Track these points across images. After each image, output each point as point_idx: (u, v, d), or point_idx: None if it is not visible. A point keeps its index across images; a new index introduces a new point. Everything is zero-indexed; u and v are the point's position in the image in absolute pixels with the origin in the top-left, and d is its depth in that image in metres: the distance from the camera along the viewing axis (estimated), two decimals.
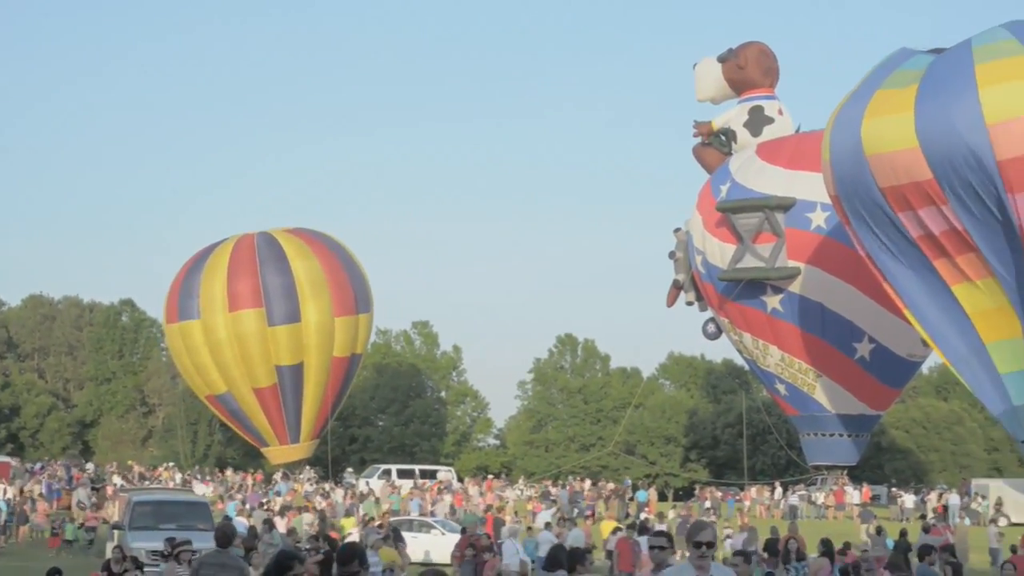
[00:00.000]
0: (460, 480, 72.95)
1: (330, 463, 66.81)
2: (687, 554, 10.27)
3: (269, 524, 37.08)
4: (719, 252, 38.85)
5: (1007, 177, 25.40)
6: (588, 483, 72.11)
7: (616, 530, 36.53)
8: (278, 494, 59.50)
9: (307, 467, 66.30)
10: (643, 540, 31.27)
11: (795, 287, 36.88)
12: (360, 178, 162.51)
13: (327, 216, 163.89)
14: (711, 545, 10.09)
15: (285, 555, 11.74)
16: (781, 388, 39.54)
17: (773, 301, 37.91)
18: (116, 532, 33.09)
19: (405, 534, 36.44)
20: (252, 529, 37.70)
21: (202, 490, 59.46)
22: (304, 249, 59.28)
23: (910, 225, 27.14)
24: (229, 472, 74.68)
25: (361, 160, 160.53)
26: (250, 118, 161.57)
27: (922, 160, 26.10)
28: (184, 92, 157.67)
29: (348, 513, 49.12)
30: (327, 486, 62.12)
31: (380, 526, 36.77)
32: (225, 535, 16.50)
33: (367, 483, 64.34)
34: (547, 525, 36.05)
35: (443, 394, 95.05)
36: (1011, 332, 26.64)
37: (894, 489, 72.71)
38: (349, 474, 70.43)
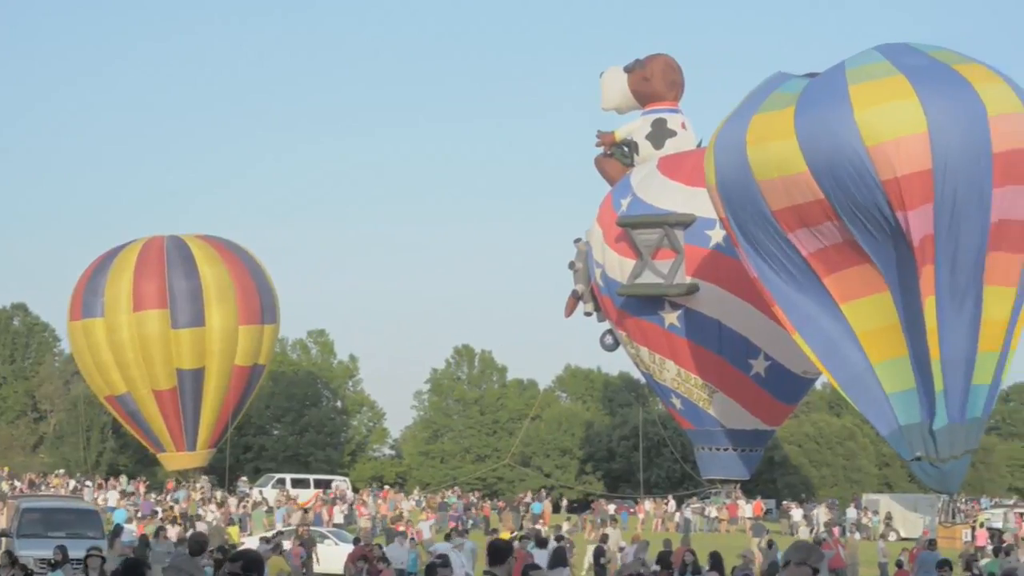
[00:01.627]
0: (355, 490, 72.62)
1: (227, 472, 66.35)
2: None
3: (161, 532, 36.71)
4: (619, 266, 39.07)
5: (891, 194, 25.79)
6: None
7: (512, 540, 36.58)
8: (176, 501, 58.95)
9: (203, 476, 65.79)
10: (539, 552, 31.41)
11: (693, 303, 37.16)
12: (259, 185, 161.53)
13: (223, 220, 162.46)
14: (817, 572, 9.76)
15: (134, 562, 11.66)
16: (677, 402, 39.84)
17: (671, 316, 38.19)
18: (3, 539, 32.61)
19: (287, 544, 36.30)
20: (143, 537, 37.33)
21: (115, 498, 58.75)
22: (213, 255, 59.23)
23: (802, 243, 27.42)
24: (123, 479, 73.77)
25: (262, 167, 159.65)
26: (153, 126, 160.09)
27: (813, 182, 26.44)
28: (88, 99, 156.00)
29: (233, 522, 48.73)
30: (219, 495, 61.60)
31: (299, 534, 36.74)
32: (198, 543, 17.28)
33: (260, 492, 63.84)
34: (447, 536, 35.94)
35: (339, 403, 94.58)
36: (897, 351, 27.02)
37: (785, 503, 73.36)
38: (243, 483, 69.85)
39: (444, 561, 18.19)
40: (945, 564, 24.32)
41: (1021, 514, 66.15)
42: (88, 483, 68.44)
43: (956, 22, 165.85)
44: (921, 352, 26.67)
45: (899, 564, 33.39)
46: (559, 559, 29.23)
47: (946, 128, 25.41)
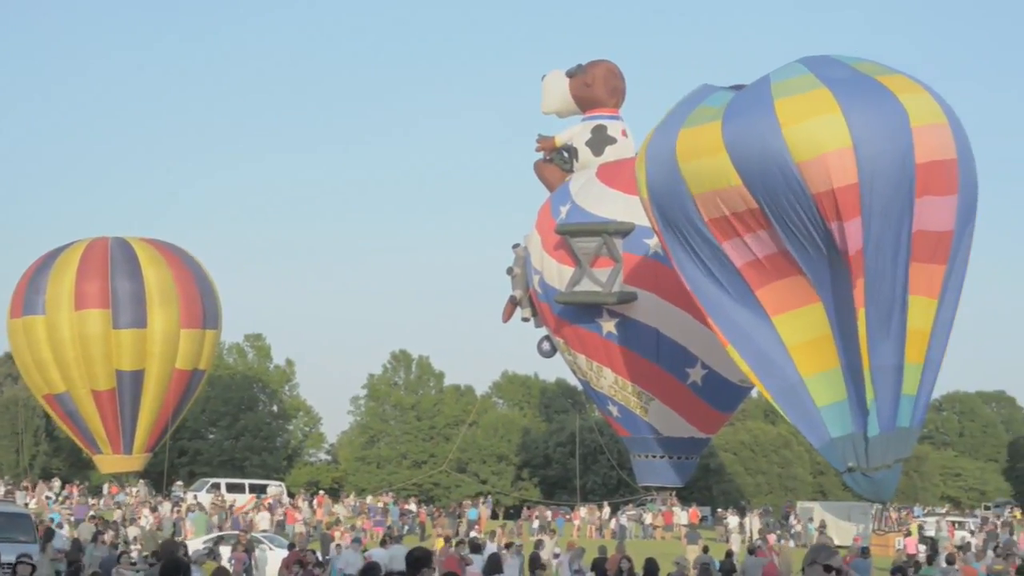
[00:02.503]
0: (291, 495, 72.40)
1: (166, 476, 66.11)
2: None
3: (99, 537, 36.53)
4: (557, 273, 39.08)
5: (822, 207, 26.02)
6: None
7: (447, 546, 36.71)
8: (119, 505, 58.69)
9: (139, 480, 65.50)
10: (476, 558, 31.48)
11: (631, 311, 37.23)
12: (199, 189, 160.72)
13: (162, 222, 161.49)
14: (840, 571, 9.79)
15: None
16: (614, 410, 39.89)
17: (609, 324, 38.23)
18: None
19: (224, 549, 36.24)
20: (76, 542, 37.12)
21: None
22: (158, 258, 59.46)
23: (736, 254, 27.54)
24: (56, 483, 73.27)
25: (203, 173, 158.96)
26: (96, 130, 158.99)
27: (747, 193, 26.60)
28: (31, 101, 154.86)
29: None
30: (154, 499, 61.30)
31: (239, 541, 36.66)
32: (171, 552, 17.96)
33: (195, 497, 63.56)
34: (382, 542, 35.92)
35: (275, 408, 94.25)
36: (828, 363, 27.17)
37: (719, 510, 73.76)
38: (178, 487, 69.48)
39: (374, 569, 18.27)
40: (899, 570, 24.70)
41: (953, 523, 66.92)
42: (26, 485, 68.07)
43: (883, 34, 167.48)
44: (853, 363, 26.88)
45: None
46: (494, 567, 29.28)
47: (871, 141, 25.64)
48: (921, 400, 27.12)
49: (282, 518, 57.43)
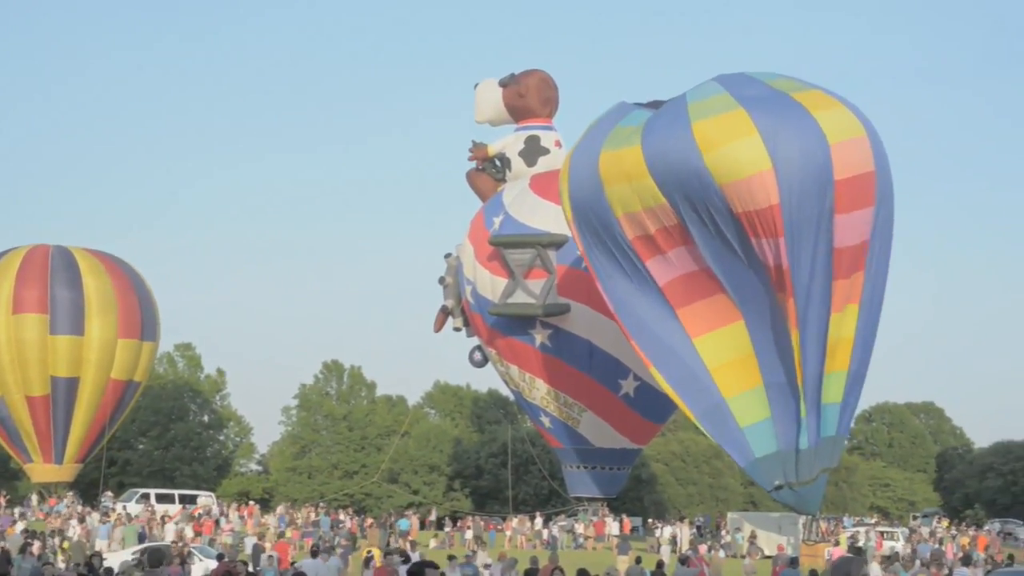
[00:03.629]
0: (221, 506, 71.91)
1: (102, 484, 65.65)
2: None
3: (28, 548, 36.13)
4: (490, 285, 39.11)
5: (747, 226, 26.13)
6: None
7: (369, 558, 36.62)
8: (58, 514, 58.15)
9: (68, 491, 64.92)
10: (403, 569, 31.41)
11: (564, 323, 37.33)
12: (131, 196, 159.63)
13: (94, 229, 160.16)
14: None
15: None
16: (546, 421, 39.99)
17: (542, 336, 38.33)
18: None
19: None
20: (6, 553, 36.67)
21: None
22: (99, 268, 59.35)
23: (658, 272, 27.54)
24: None
25: (138, 180, 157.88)
26: (26, 136, 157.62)
27: (670, 211, 26.69)
28: None
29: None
30: (80, 509, 60.73)
31: (177, 551, 36.38)
32: (157, 556, 19.41)
33: (124, 507, 63.00)
34: (312, 553, 35.76)
35: (206, 418, 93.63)
36: (750, 383, 27.28)
37: (651, 521, 73.92)
38: (107, 498, 68.85)
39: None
40: None
41: (882, 533, 67.41)
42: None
43: (807, 48, 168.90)
44: (776, 380, 27.01)
45: None
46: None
47: (789, 161, 25.80)
48: (846, 409, 27.26)
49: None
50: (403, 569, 30.67)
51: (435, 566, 10.02)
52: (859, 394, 27.93)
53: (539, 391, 39.51)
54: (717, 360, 27.24)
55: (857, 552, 47.30)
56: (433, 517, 74.21)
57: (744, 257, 26.58)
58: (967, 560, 43.64)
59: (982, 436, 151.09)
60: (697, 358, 27.31)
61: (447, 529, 68.72)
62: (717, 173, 25.69)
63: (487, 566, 39.09)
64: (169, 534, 52.39)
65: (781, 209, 25.73)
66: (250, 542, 48.50)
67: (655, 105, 28.47)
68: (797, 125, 26.04)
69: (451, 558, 34.89)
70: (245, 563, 34.31)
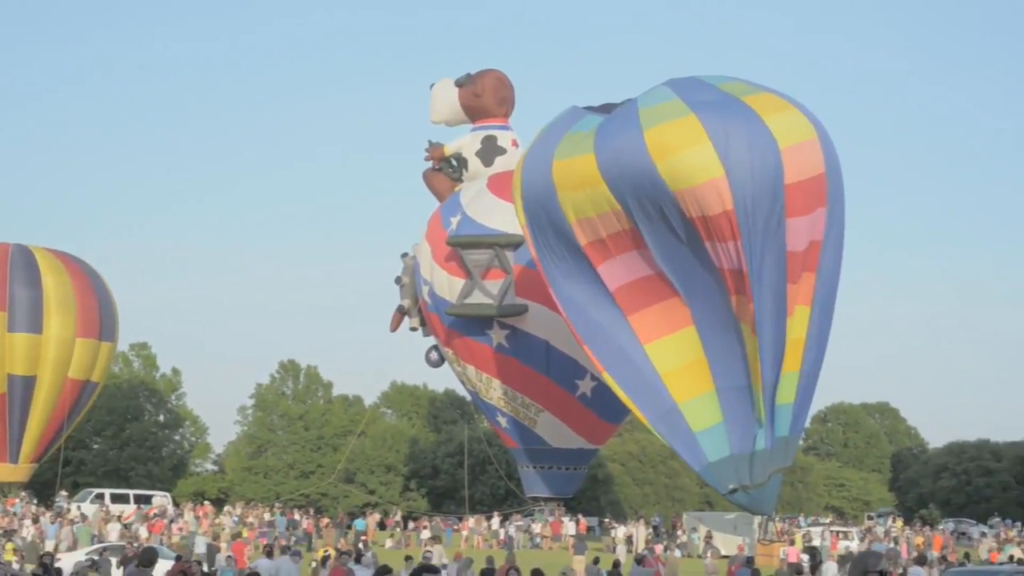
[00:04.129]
0: (176, 505, 71.62)
1: (58, 484, 65.33)
2: None
3: None
4: (447, 285, 39.09)
5: (701, 231, 26.19)
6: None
7: (326, 558, 36.56)
8: (14, 514, 57.78)
9: (23, 491, 64.56)
10: (357, 568, 31.36)
11: (522, 323, 37.34)
12: (87, 195, 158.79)
13: (53, 228, 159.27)
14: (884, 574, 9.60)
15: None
16: (503, 421, 40.02)
17: (499, 336, 38.35)
18: None
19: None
20: None
21: None
22: (59, 267, 59.17)
23: (610, 277, 27.54)
24: None
25: (92, 180, 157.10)
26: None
27: (624, 216, 26.71)
28: None
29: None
30: (34, 509, 60.39)
31: (125, 553, 36.19)
32: (148, 556, 19.50)
33: (79, 507, 62.68)
34: (269, 553, 35.62)
35: (161, 418, 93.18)
36: (701, 388, 27.29)
37: (607, 520, 74.01)
38: (62, 498, 68.47)
39: None
40: None
41: (836, 532, 67.70)
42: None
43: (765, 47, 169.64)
44: (728, 385, 27.06)
45: None
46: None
47: (741, 168, 25.84)
48: (799, 409, 27.34)
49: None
50: (357, 569, 30.67)
51: (436, 571, 9.99)
52: (812, 394, 28.03)
53: (496, 391, 39.52)
54: (668, 366, 27.26)
55: (812, 552, 47.50)
56: (398, 517, 74.05)
57: (698, 261, 26.64)
58: (921, 560, 43.89)
59: (936, 436, 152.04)
60: (648, 364, 27.34)
61: (399, 529, 68.65)
62: (670, 180, 25.73)
63: (444, 566, 39.08)
64: (113, 534, 52.16)
65: (736, 214, 25.79)
66: (201, 542, 48.30)
67: (607, 109, 28.45)
68: (748, 130, 26.08)
69: (408, 559, 34.84)
70: (200, 563, 34.24)
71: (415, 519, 74.00)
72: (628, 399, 28.16)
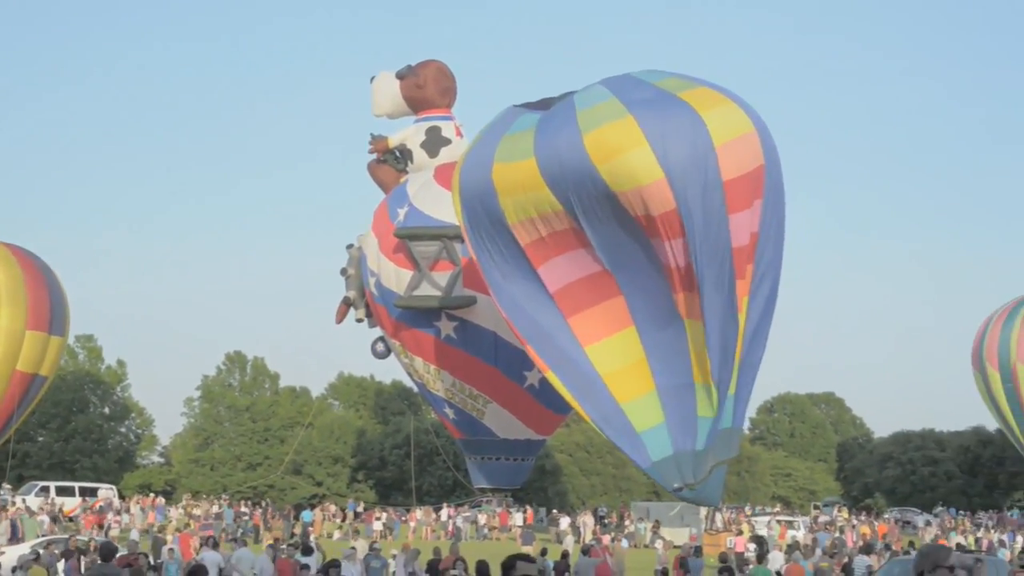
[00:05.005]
0: (122, 498, 71.31)
1: (4, 477, 64.88)
2: None
3: None
4: (395, 277, 38.98)
5: (647, 230, 26.27)
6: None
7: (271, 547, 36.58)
8: None
9: None
10: (308, 559, 31.39)
11: (470, 315, 37.28)
12: (33, 185, 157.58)
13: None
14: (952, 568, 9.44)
15: None
16: (450, 412, 39.94)
17: (447, 328, 38.25)
18: None
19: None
20: None
21: None
22: (10, 259, 58.71)
23: (551, 278, 27.55)
24: None
25: (41, 173, 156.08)
26: None
27: (566, 216, 26.75)
28: None
29: None
30: None
31: (69, 546, 36.00)
32: (108, 549, 20.95)
33: (24, 500, 62.35)
34: (214, 545, 35.57)
35: (107, 410, 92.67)
36: (643, 389, 27.28)
37: (554, 511, 74.29)
38: (7, 491, 68.08)
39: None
40: (726, 570, 25.07)
41: (780, 522, 68.15)
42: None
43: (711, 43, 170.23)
44: (669, 384, 27.11)
45: (664, 572, 34.17)
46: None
47: (680, 169, 25.81)
48: (740, 400, 27.46)
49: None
50: (305, 559, 30.63)
51: (530, 559, 9.78)
52: (752, 384, 28.11)
53: (444, 383, 39.46)
54: (609, 367, 27.27)
55: (758, 541, 47.83)
56: (361, 508, 74.06)
57: (643, 258, 26.67)
58: (867, 549, 44.26)
59: (882, 426, 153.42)
60: (590, 365, 27.37)
61: (347, 521, 68.69)
62: (612, 183, 25.77)
63: (394, 556, 39.12)
64: (46, 526, 51.99)
65: (680, 213, 25.90)
66: (134, 534, 48.11)
67: (545, 104, 28.41)
68: (685, 130, 26.06)
69: (354, 549, 34.82)
70: (147, 555, 34.12)
71: (366, 511, 74.00)
72: (572, 398, 28.20)
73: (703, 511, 58.28)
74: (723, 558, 33.83)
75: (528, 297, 27.81)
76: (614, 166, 25.72)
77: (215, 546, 36.24)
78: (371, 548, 36.37)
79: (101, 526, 55.85)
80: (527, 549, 43.34)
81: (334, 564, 28.20)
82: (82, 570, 35.62)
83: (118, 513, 61.63)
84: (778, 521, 67.93)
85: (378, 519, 66.76)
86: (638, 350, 27.18)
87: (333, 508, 73.40)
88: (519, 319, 28.25)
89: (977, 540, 59.34)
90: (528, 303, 27.84)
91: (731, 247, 26.41)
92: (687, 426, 26.67)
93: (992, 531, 64.89)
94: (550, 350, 27.87)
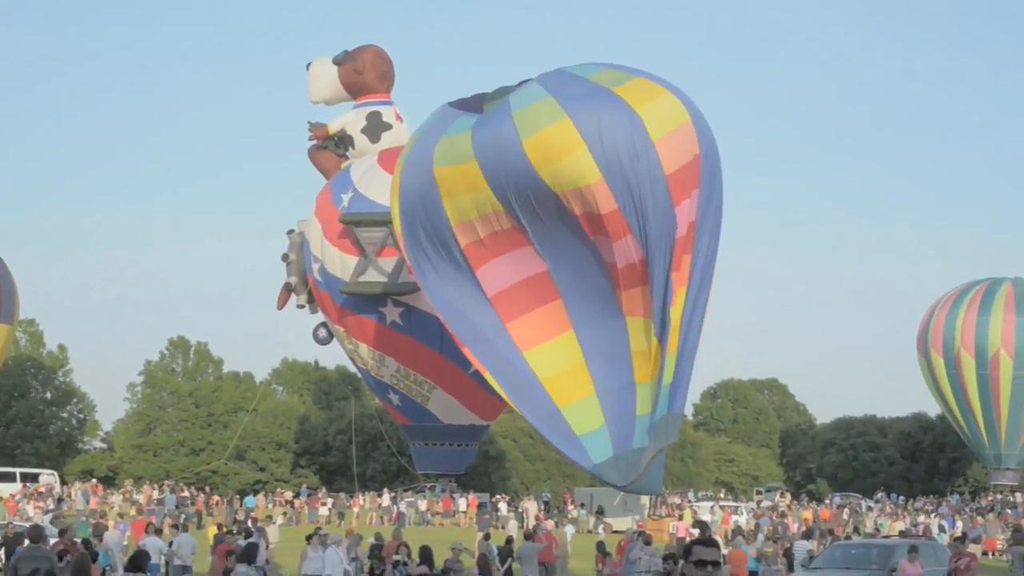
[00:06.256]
0: (64, 484, 70.90)
1: None
2: None
3: None
4: (340, 263, 38.87)
5: (587, 227, 26.28)
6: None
7: (217, 535, 36.49)
8: None
9: None
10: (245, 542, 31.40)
11: (416, 301, 37.22)
12: None
13: None
14: None
15: None
16: (394, 398, 39.94)
17: (393, 314, 38.23)
18: None
19: None
20: None
21: None
22: None
23: (489, 282, 27.46)
24: None
25: None
26: None
27: (506, 216, 26.69)
28: None
29: None
30: None
31: (10, 533, 35.75)
32: (37, 532, 22.56)
33: None
34: (157, 532, 35.45)
35: (48, 395, 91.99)
36: (583, 392, 27.24)
37: (496, 497, 74.37)
38: None
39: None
40: (670, 557, 25.19)
41: (724, 507, 68.51)
42: None
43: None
44: (609, 387, 27.14)
45: (607, 555, 34.30)
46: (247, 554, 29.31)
47: (619, 170, 25.76)
48: (678, 387, 27.49)
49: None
50: (249, 544, 30.56)
51: (714, 544, 9.31)
52: (691, 369, 28.15)
53: (388, 369, 39.43)
54: (548, 371, 27.24)
55: (701, 526, 48.03)
56: (323, 494, 73.81)
57: (585, 257, 26.67)
58: (808, 534, 44.58)
59: (824, 412, 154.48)
60: (529, 369, 27.36)
61: (291, 506, 68.54)
62: (554, 184, 25.77)
63: (336, 542, 39.05)
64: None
65: (623, 212, 25.92)
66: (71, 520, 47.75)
67: (478, 100, 28.18)
68: (621, 129, 25.95)
69: (309, 537, 34.48)
70: (88, 540, 33.90)
71: (310, 496, 73.85)
72: (511, 401, 28.21)
73: (645, 498, 58.63)
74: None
75: (466, 300, 27.70)
76: (554, 170, 25.70)
77: (157, 532, 36.08)
78: (317, 533, 36.29)
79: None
80: (479, 535, 43.32)
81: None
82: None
83: (60, 499, 61.26)
84: (721, 507, 68.31)
85: (324, 504, 66.70)
86: (577, 354, 27.15)
87: (289, 495, 73.33)
88: (456, 322, 28.12)
89: (916, 525, 59.84)
90: (466, 306, 27.73)
91: (674, 237, 26.51)
92: (626, 426, 26.72)
93: (932, 516, 65.44)
94: (488, 353, 27.78)
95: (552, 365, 27.23)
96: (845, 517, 66.88)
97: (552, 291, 27.23)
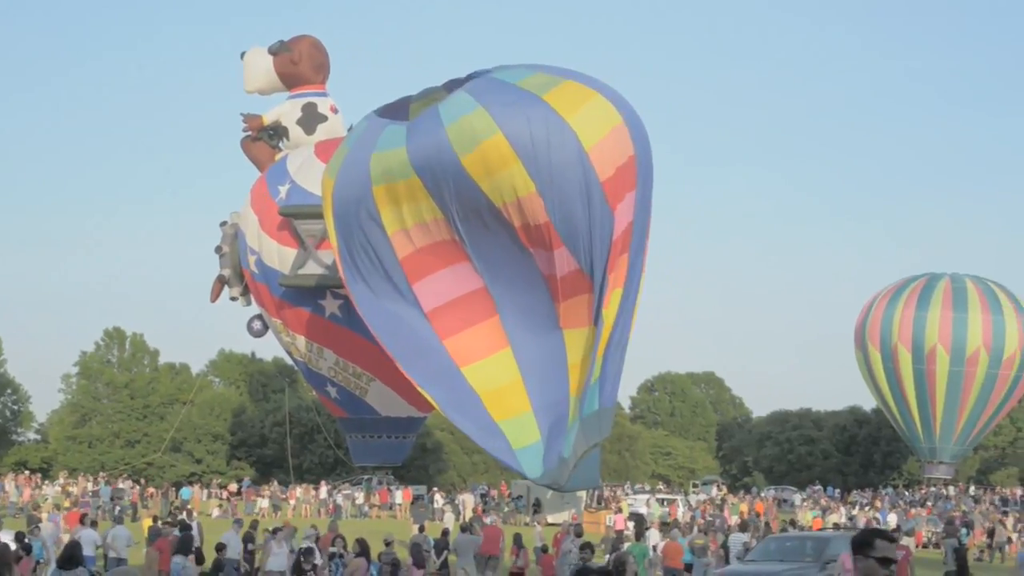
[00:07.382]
0: None
1: None
2: None
3: None
4: (277, 255, 38.64)
5: (529, 239, 26.29)
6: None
7: (153, 527, 36.28)
8: None
9: None
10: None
11: None
12: None
13: None
14: None
15: None
16: (332, 391, 39.82)
17: (332, 306, 38.09)
18: None
19: None
20: None
21: None
22: None
23: (426, 298, 27.34)
24: None
25: None
26: None
27: (445, 226, 26.64)
28: None
29: None
30: None
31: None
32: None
33: None
34: (92, 524, 35.15)
35: None
36: (518, 409, 27.28)
37: (434, 489, 74.33)
38: None
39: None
40: (587, 546, 25.16)
41: (662, 500, 68.72)
42: None
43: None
44: (545, 402, 27.18)
45: (544, 549, 34.30)
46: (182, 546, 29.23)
47: (552, 182, 25.80)
48: (605, 381, 27.49)
49: None
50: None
51: (891, 537, 8.09)
52: (621, 363, 28.18)
53: (327, 361, 39.30)
54: (486, 387, 27.26)
55: (638, 520, 48.23)
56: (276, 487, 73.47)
57: (523, 270, 26.69)
58: (744, 526, 44.81)
59: (760, 406, 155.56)
60: (466, 384, 27.31)
61: (227, 499, 68.27)
62: (493, 197, 25.78)
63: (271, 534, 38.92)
64: None
65: (554, 225, 25.96)
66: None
67: (403, 105, 27.80)
68: (552, 140, 25.80)
69: (275, 531, 34.07)
70: (23, 534, 33.60)
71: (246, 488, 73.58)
72: (448, 416, 28.19)
73: (582, 492, 58.72)
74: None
75: (402, 315, 27.51)
76: (492, 184, 25.68)
77: (92, 524, 35.80)
78: (252, 526, 36.13)
79: None
80: (415, 529, 43.27)
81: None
82: None
83: None
84: (658, 500, 68.52)
85: (262, 496, 66.51)
86: (514, 370, 27.13)
87: (234, 487, 73.00)
88: (390, 338, 27.92)
89: (852, 518, 60.28)
90: (402, 321, 27.54)
91: (613, 241, 26.55)
92: (559, 438, 26.77)
93: (866, 509, 65.94)
94: (423, 368, 27.63)
95: (490, 380, 27.14)
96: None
97: (490, 308, 27.13)
